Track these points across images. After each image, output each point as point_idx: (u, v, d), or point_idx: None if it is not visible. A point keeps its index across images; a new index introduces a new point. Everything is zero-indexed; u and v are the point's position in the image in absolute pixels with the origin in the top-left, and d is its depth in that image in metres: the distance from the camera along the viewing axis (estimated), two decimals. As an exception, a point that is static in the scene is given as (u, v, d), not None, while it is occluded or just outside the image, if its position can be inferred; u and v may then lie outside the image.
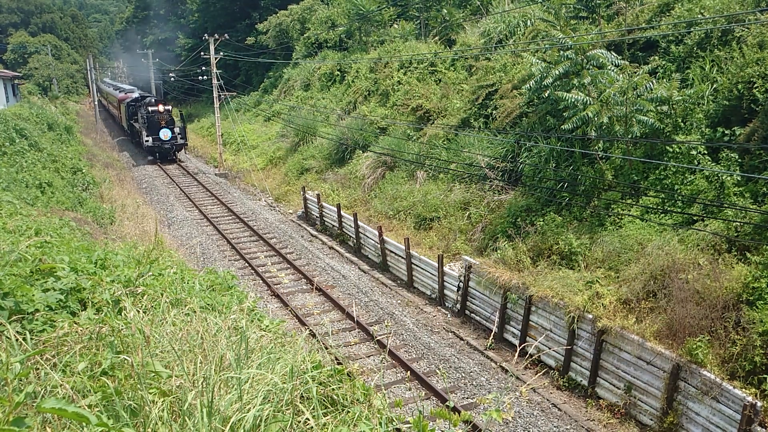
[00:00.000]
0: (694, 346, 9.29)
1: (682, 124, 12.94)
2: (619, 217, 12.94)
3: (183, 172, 37.02)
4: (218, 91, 34.57)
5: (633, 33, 16.31)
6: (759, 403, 8.35)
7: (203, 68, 38.27)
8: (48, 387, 2.88)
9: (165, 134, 38.42)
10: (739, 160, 11.62)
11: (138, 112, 41.81)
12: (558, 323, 11.84)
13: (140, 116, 39.52)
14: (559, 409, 10.91)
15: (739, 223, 10.62)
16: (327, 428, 3.10)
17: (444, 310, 15.30)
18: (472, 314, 14.51)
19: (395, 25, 33.35)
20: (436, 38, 28.52)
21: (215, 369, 3.18)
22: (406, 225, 19.14)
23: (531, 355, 11.58)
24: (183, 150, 41.02)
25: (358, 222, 19.72)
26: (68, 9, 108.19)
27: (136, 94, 48.61)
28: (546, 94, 15.17)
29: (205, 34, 34.89)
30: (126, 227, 19.62)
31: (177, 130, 39.47)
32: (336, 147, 26.86)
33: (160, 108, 38.63)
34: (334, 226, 21.72)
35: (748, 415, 8.33)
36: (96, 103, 56.58)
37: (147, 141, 38.27)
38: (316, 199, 23.18)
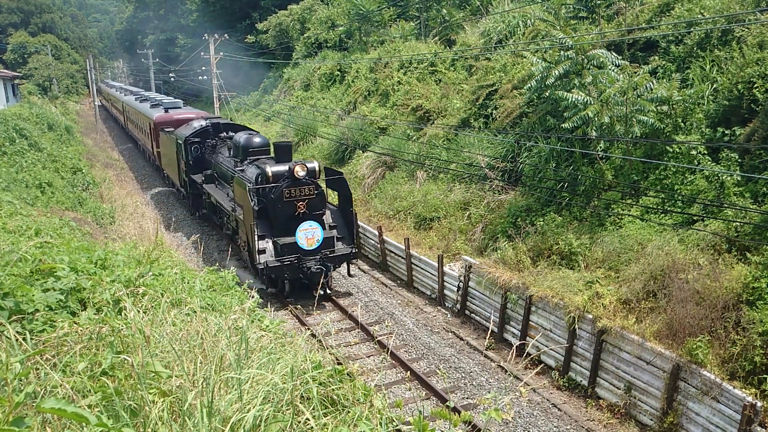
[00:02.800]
0: (694, 346, 9.28)
1: (682, 124, 12.94)
2: (619, 217, 12.94)
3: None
4: (218, 91, 34.58)
5: (633, 33, 16.30)
6: (759, 403, 8.35)
7: (203, 68, 38.21)
8: (48, 387, 2.88)
9: (310, 235, 15.14)
10: (739, 160, 11.62)
11: (221, 164, 19.91)
12: (558, 323, 11.84)
13: (243, 188, 15.87)
14: (559, 409, 10.91)
15: (739, 223, 10.61)
16: (327, 428, 3.10)
17: (444, 310, 15.30)
18: (472, 314, 14.50)
19: (395, 25, 33.34)
20: (436, 38, 28.51)
21: (215, 369, 3.18)
22: (406, 225, 19.13)
23: (531, 355, 11.58)
24: (348, 265, 16.55)
25: (358, 222, 19.70)
26: (68, 9, 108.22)
27: (200, 122, 23.27)
28: (546, 94, 15.16)
29: (205, 34, 34.89)
30: (126, 227, 19.62)
31: (331, 219, 16.55)
32: (336, 147, 26.84)
33: (298, 171, 15.00)
34: (334, 226, 21.56)
35: (748, 415, 8.32)
36: (96, 104, 56.65)
37: (262, 253, 14.95)
38: (316, 199, 22.93)
